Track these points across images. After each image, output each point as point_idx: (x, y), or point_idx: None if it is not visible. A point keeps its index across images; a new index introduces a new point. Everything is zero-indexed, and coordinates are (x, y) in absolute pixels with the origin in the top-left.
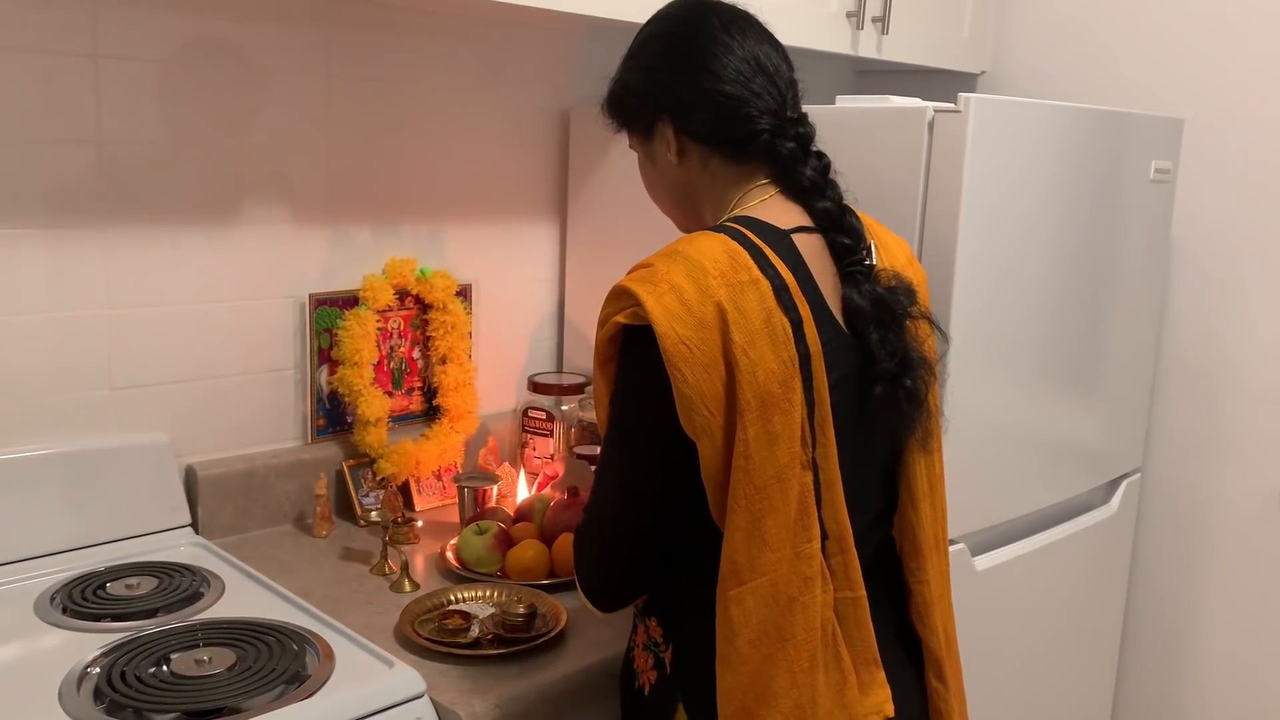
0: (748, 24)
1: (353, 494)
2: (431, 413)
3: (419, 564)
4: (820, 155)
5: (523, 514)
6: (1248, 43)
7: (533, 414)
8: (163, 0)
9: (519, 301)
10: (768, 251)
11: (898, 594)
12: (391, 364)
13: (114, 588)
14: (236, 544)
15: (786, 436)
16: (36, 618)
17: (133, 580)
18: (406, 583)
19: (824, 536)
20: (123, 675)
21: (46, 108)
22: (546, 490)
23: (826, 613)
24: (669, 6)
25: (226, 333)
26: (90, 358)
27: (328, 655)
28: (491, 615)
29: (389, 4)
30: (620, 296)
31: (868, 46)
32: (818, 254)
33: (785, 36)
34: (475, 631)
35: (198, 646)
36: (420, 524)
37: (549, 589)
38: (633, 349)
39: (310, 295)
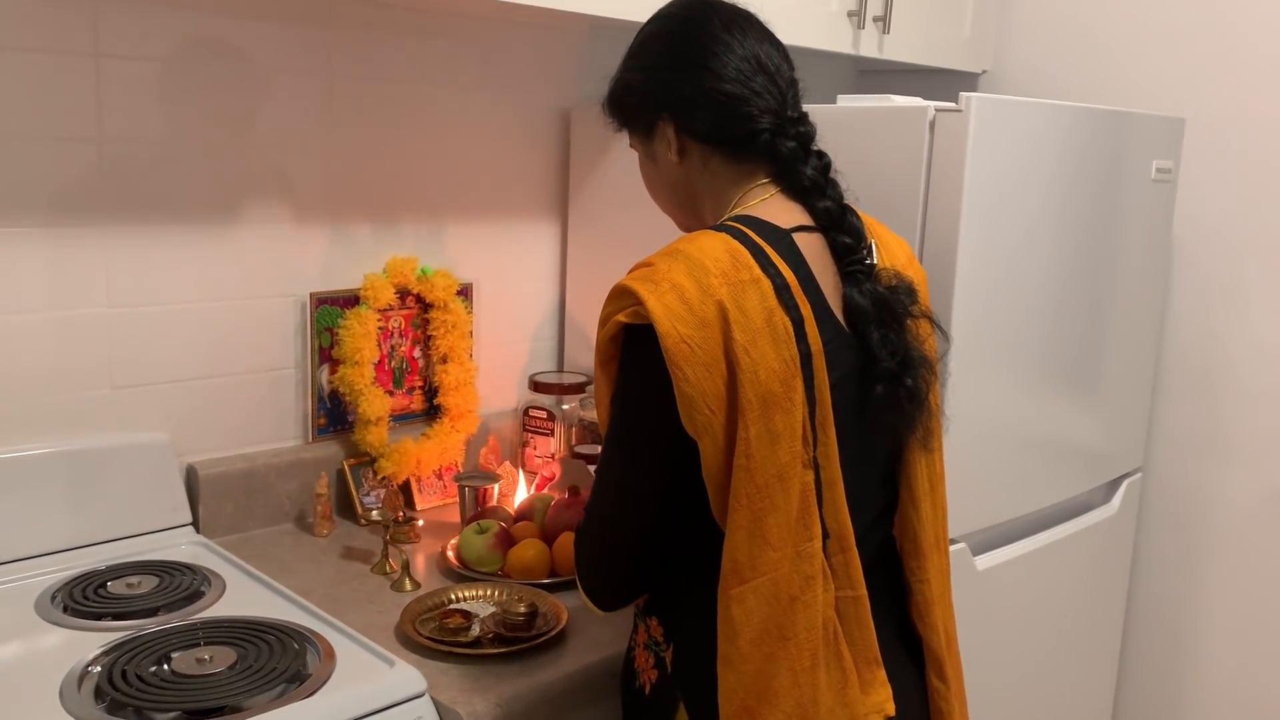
0: (748, 23)
1: (353, 493)
2: (432, 412)
3: (420, 563)
4: (821, 154)
5: (523, 513)
6: (1249, 42)
7: (533, 413)
8: None
9: (520, 300)
10: (769, 251)
11: (898, 593)
12: (392, 363)
13: (115, 587)
14: (237, 543)
15: (788, 435)
16: (37, 616)
17: (133, 579)
18: (407, 582)
19: (825, 535)
20: (123, 674)
21: (47, 107)
22: (546, 490)
23: (828, 611)
24: (670, 5)
25: (227, 332)
26: (91, 357)
27: (328, 654)
28: (492, 614)
29: (390, 3)
30: (621, 295)
31: (869, 46)
32: (819, 253)
33: (786, 36)
34: (476, 630)
35: (198, 645)
36: (421, 523)
37: (550, 588)
38: (634, 348)
39: (311, 294)
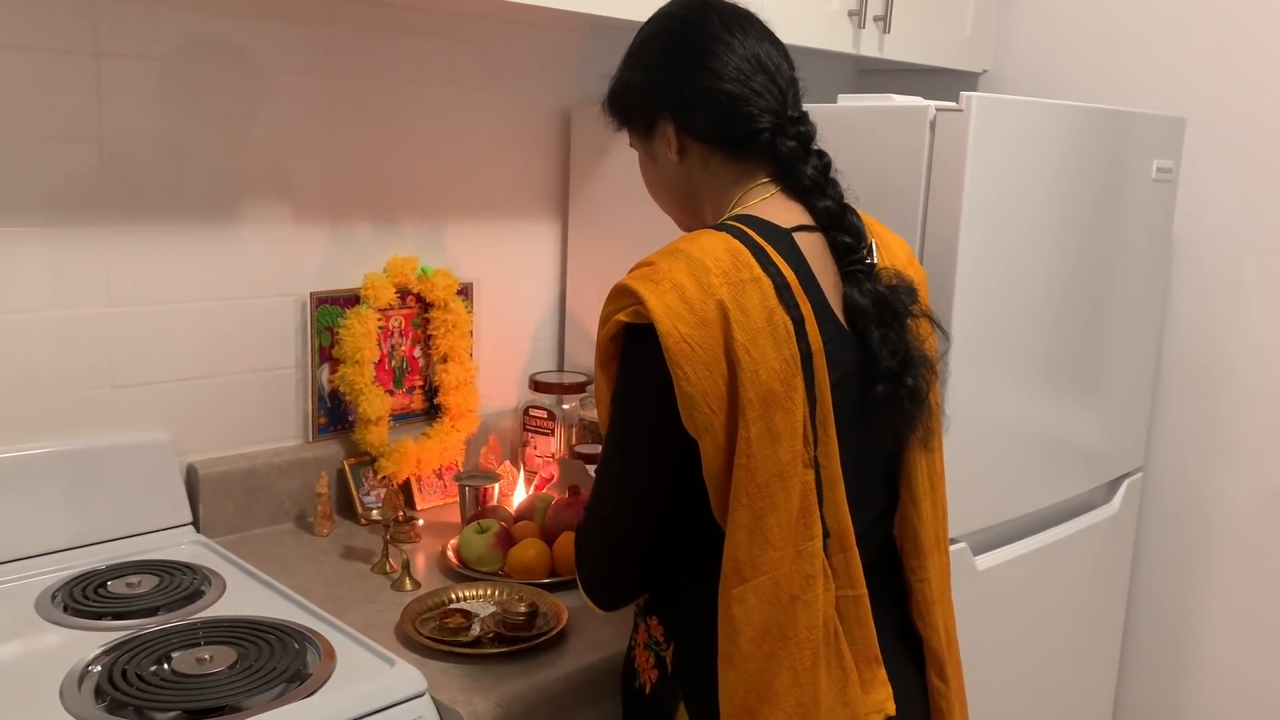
0: (748, 22)
1: (354, 492)
2: (432, 411)
3: (420, 563)
4: (821, 154)
5: (524, 513)
6: (1250, 41)
7: (534, 413)
8: None
9: (520, 300)
10: (769, 250)
11: (899, 592)
12: (393, 362)
13: (115, 586)
14: (237, 542)
15: (788, 435)
16: (38, 616)
17: (134, 579)
18: (407, 581)
19: (826, 535)
20: (124, 673)
21: (48, 106)
22: (546, 489)
23: (828, 611)
24: (670, 5)
25: (228, 331)
26: (91, 356)
27: (329, 654)
28: (493, 614)
29: (390, 2)
30: (622, 295)
31: (869, 45)
32: (819, 252)
33: (787, 35)
34: (476, 630)
35: (199, 645)
36: (421, 523)
37: (550, 588)
38: (634, 347)
39: (311, 294)
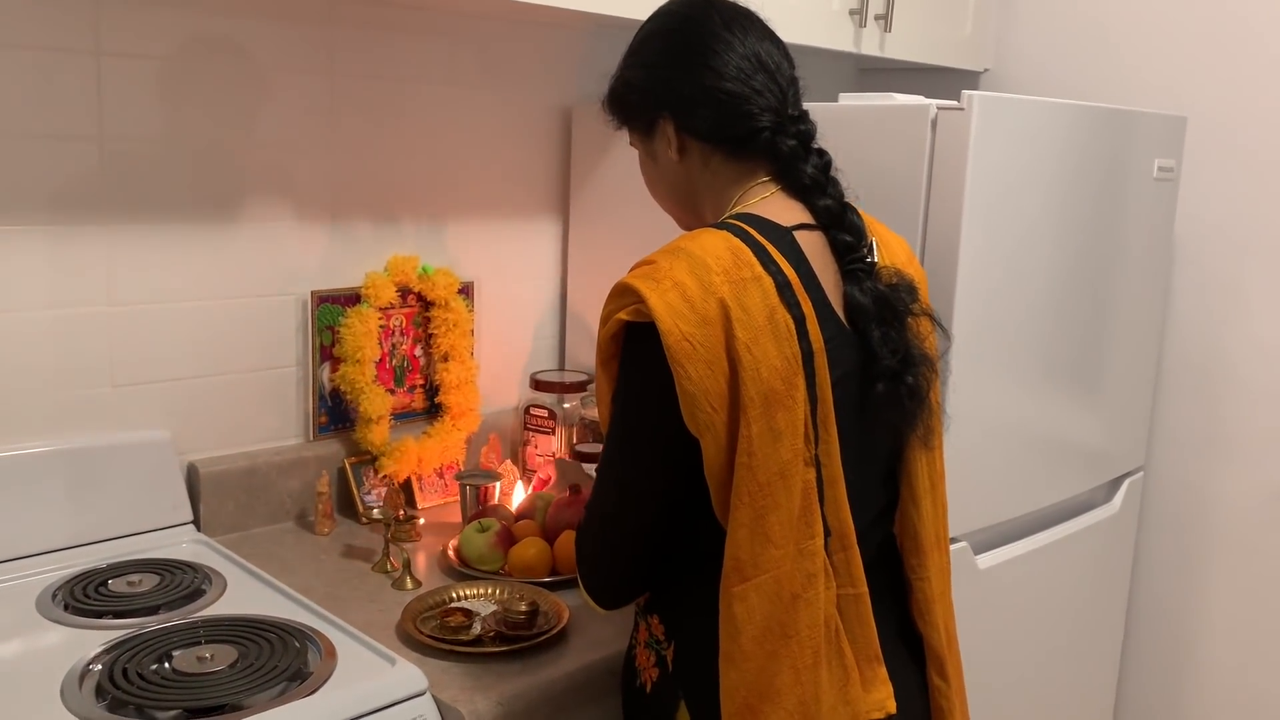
0: (749, 21)
1: (354, 491)
2: (433, 410)
3: (421, 561)
4: (821, 153)
5: (524, 511)
6: (1252, 40)
7: (534, 412)
8: None
9: (521, 299)
10: (770, 249)
11: (899, 591)
12: (393, 361)
13: (116, 585)
14: (238, 541)
15: (790, 433)
16: (38, 615)
17: (134, 577)
18: (408, 580)
19: (826, 533)
20: (124, 672)
21: (48, 104)
22: (544, 490)
23: (829, 609)
24: (670, 3)
25: (228, 330)
26: (92, 355)
27: (329, 653)
28: (493, 613)
29: (391, 2)
30: (623, 294)
31: (870, 44)
32: (819, 251)
33: (788, 34)
34: (477, 629)
35: (199, 644)
36: (422, 521)
37: (551, 587)
38: (635, 346)
39: (312, 292)
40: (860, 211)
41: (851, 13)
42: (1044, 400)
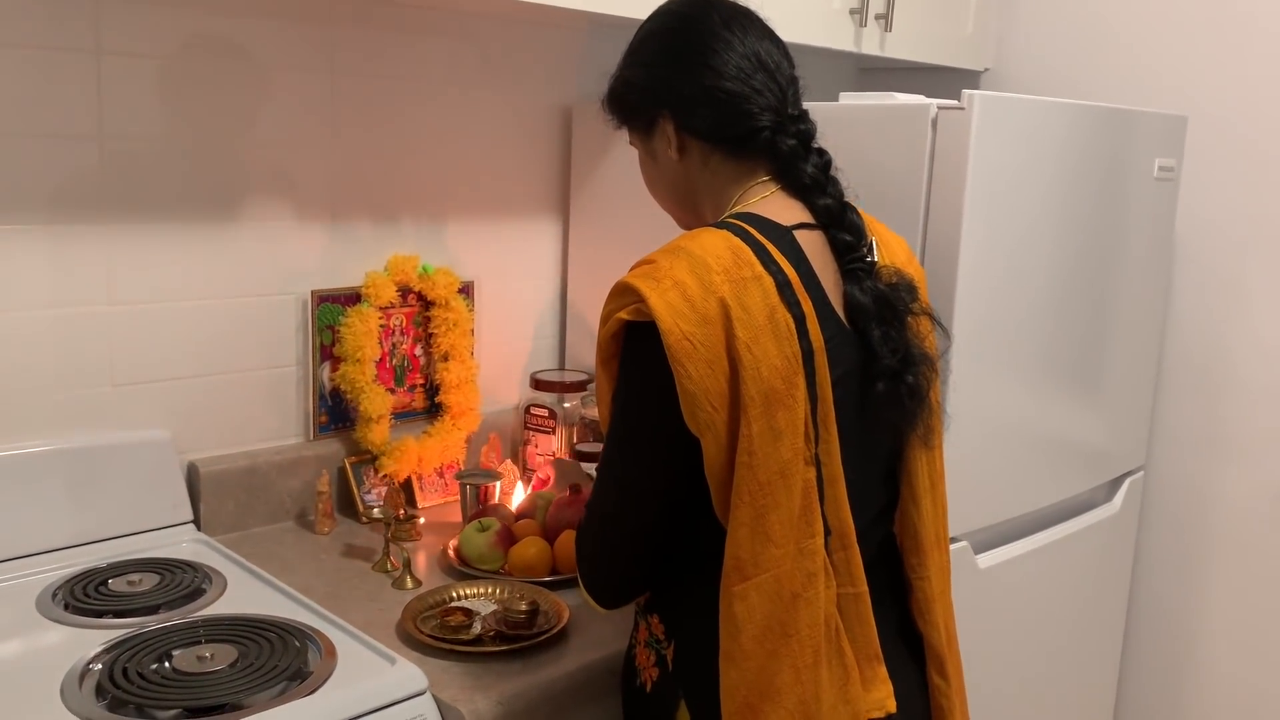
0: (748, 20)
1: (355, 491)
2: (433, 410)
3: (421, 561)
4: (821, 152)
5: (525, 511)
6: (1253, 39)
7: (535, 411)
8: None
9: (521, 298)
10: (770, 248)
11: (899, 590)
12: (394, 361)
13: (116, 584)
14: (238, 540)
15: (790, 432)
16: (39, 614)
17: (135, 577)
18: (408, 580)
19: (827, 532)
20: (124, 672)
21: (49, 103)
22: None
23: (830, 608)
24: (670, 3)
25: (228, 329)
26: (92, 354)
27: (329, 652)
28: (494, 612)
29: (391, 0)
30: (623, 293)
31: (871, 44)
32: (819, 250)
33: (788, 34)
34: (477, 628)
35: (199, 643)
36: (422, 521)
37: (551, 586)
38: (635, 345)
39: (312, 292)
40: (859, 211)
41: (852, 12)
42: (1044, 400)
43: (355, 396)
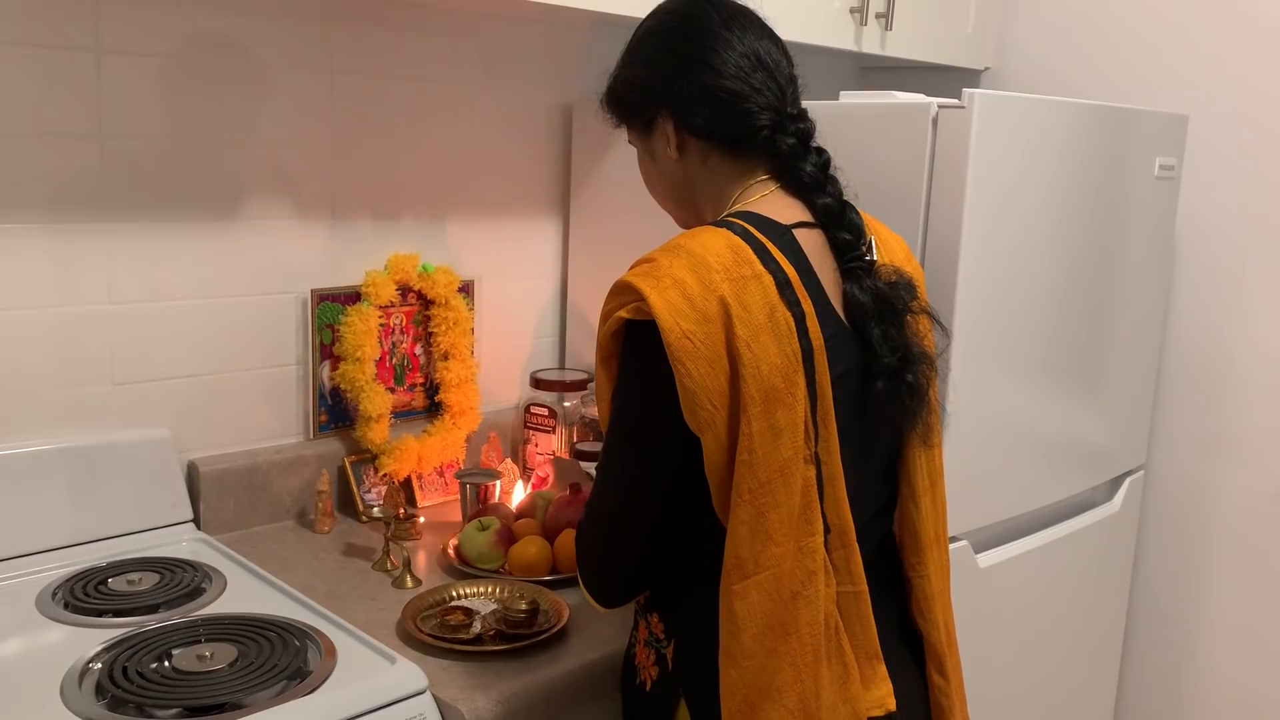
0: (747, 19)
1: (355, 490)
2: (433, 409)
3: (421, 560)
4: (820, 151)
5: (525, 510)
6: (1253, 39)
7: (535, 410)
8: None
9: (521, 297)
10: (770, 246)
11: (899, 588)
12: (394, 360)
13: (116, 583)
14: (238, 540)
15: (790, 431)
16: (38, 613)
17: (134, 576)
18: (408, 579)
19: (826, 530)
20: (124, 671)
21: (49, 102)
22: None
23: (829, 607)
24: (669, 1)
25: (228, 328)
26: (92, 353)
27: (329, 651)
28: (494, 611)
29: None
30: (623, 291)
31: (871, 43)
32: (819, 249)
33: (788, 33)
34: (477, 628)
35: (199, 642)
36: (422, 520)
37: (551, 585)
38: (635, 344)
39: (312, 291)
40: (859, 210)
41: (852, 11)
42: (1045, 399)
43: (355, 395)
